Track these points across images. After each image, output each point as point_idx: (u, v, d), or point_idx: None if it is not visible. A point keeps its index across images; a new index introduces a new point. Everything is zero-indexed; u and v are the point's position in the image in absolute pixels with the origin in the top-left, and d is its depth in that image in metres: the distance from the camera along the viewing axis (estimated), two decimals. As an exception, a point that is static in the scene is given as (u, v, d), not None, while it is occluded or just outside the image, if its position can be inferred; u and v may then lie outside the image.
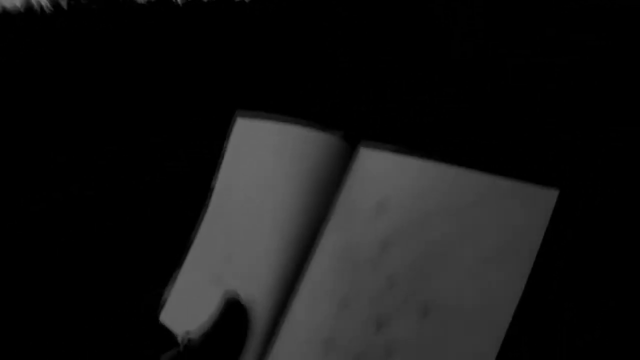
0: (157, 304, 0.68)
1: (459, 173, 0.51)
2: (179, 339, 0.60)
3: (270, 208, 0.60)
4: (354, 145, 0.59)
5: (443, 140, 0.57)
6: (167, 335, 0.66)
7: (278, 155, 0.61)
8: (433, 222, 0.51)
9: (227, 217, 0.64)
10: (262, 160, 0.62)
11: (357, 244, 0.55)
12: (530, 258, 0.46)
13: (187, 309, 0.66)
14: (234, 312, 0.58)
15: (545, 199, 0.46)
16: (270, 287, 0.58)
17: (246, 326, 0.57)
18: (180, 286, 0.68)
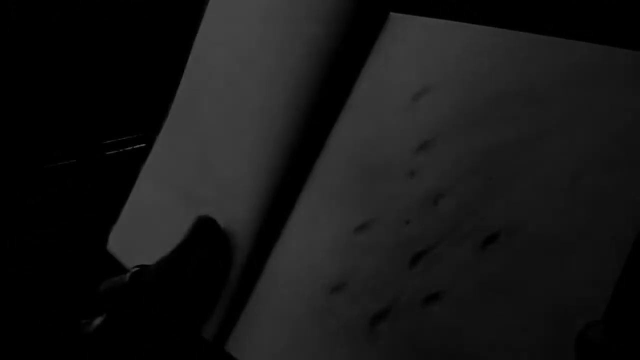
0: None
1: (539, 41, 0.35)
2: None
3: (259, 90, 0.43)
4: (382, 11, 0.42)
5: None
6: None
7: (271, 13, 0.44)
8: (504, 109, 0.35)
9: (197, 106, 0.46)
10: (249, 22, 0.45)
11: (384, 141, 0.38)
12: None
13: (142, 235, 0.50)
14: (206, 234, 0.42)
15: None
16: (257, 203, 0.42)
17: (226, 253, 0.41)
18: (133, 205, 0.51)
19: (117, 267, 0.48)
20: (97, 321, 0.41)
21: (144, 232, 0.49)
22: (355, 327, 0.35)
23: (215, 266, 0.41)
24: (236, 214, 0.42)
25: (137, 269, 0.42)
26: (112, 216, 0.52)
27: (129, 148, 0.77)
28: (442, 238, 0.34)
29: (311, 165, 0.41)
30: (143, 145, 0.75)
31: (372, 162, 0.38)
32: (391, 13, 0.41)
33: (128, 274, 0.42)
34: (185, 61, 0.49)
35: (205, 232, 0.41)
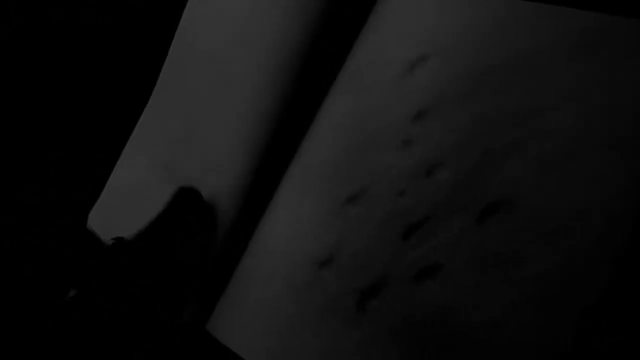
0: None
1: (537, 9, 0.34)
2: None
3: (244, 64, 0.41)
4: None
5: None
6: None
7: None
8: (502, 80, 0.33)
9: (182, 82, 0.44)
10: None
11: (378, 111, 0.37)
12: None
13: (123, 211, 0.47)
14: (188, 205, 0.39)
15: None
16: (242, 177, 0.40)
17: (209, 225, 0.39)
18: (115, 181, 0.49)
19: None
20: (70, 294, 0.38)
21: (126, 208, 0.47)
22: (342, 304, 0.33)
23: (198, 238, 0.38)
24: (220, 188, 0.40)
25: (113, 241, 0.40)
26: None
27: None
28: (437, 210, 0.32)
29: (300, 138, 0.39)
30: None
31: (365, 133, 0.36)
32: (388, -19, 0.40)
33: (104, 247, 0.39)
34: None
35: (188, 202, 0.39)
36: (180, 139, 0.44)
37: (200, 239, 0.39)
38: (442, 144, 0.33)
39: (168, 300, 0.39)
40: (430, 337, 0.30)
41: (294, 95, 0.40)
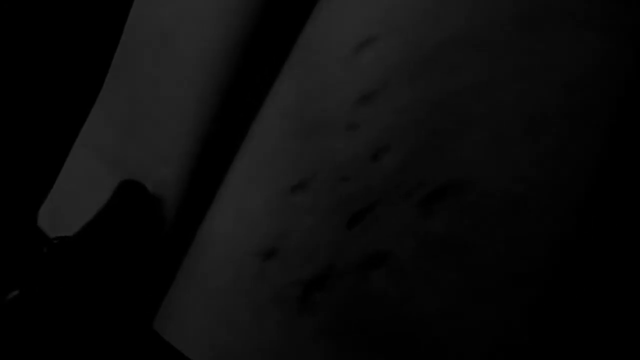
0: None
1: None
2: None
3: (190, 49, 0.40)
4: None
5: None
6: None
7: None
8: (451, 58, 0.32)
9: (130, 70, 0.43)
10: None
11: (323, 94, 0.35)
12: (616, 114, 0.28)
13: (71, 206, 0.46)
14: (131, 198, 0.38)
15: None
16: (187, 166, 0.38)
17: (154, 218, 0.37)
18: (64, 176, 0.47)
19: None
20: (11, 296, 0.37)
21: (75, 204, 0.45)
22: (287, 296, 0.32)
23: (142, 233, 0.37)
24: (165, 178, 0.38)
25: (56, 241, 0.38)
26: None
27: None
28: (383, 196, 0.31)
29: (247, 126, 0.38)
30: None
31: (310, 117, 0.35)
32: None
33: (46, 246, 0.38)
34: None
35: (130, 195, 0.37)
36: (127, 130, 0.43)
37: (145, 232, 0.37)
38: (388, 127, 0.32)
39: (112, 298, 0.37)
40: (380, 328, 0.29)
41: (241, 81, 0.38)
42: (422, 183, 0.30)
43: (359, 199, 0.31)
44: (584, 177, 0.27)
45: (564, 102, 0.29)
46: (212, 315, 0.34)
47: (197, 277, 0.35)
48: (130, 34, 0.44)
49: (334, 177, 0.32)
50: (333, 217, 0.31)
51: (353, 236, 0.31)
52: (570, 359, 0.26)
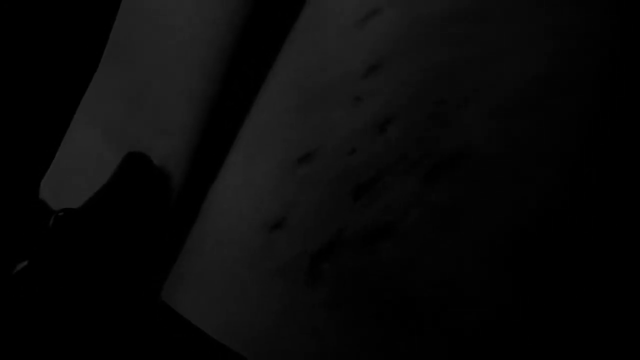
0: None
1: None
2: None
3: (193, 24, 0.39)
4: None
5: None
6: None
7: None
8: (456, 29, 0.32)
9: (131, 42, 0.42)
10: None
11: (328, 67, 0.35)
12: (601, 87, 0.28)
13: (74, 179, 0.46)
14: (136, 171, 0.38)
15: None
16: (191, 140, 0.38)
17: (159, 190, 0.37)
18: (65, 149, 0.47)
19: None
20: (19, 267, 0.37)
21: (76, 176, 0.45)
22: (294, 267, 0.32)
23: (148, 204, 0.37)
24: (170, 152, 0.38)
25: (61, 213, 0.38)
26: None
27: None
28: (389, 167, 0.31)
29: (251, 99, 0.38)
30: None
31: (315, 90, 0.35)
32: None
33: (52, 218, 0.38)
34: None
35: (136, 168, 0.37)
36: (129, 102, 0.43)
37: (151, 203, 0.37)
38: (394, 98, 0.32)
39: (120, 269, 0.37)
40: (385, 296, 0.30)
41: (245, 56, 0.38)
42: (428, 154, 0.30)
43: (365, 170, 0.31)
44: (576, 142, 0.28)
45: (559, 72, 0.29)
46: (219, 286, 0.34)
47: (204, 248, 0.36)
48: (129, 7, 0.43)
49: (340, 150, 0.32)
50: (339, 189, 0.32)
51: (359, 207, 0.31)
52: (560, 321, 0.26)
